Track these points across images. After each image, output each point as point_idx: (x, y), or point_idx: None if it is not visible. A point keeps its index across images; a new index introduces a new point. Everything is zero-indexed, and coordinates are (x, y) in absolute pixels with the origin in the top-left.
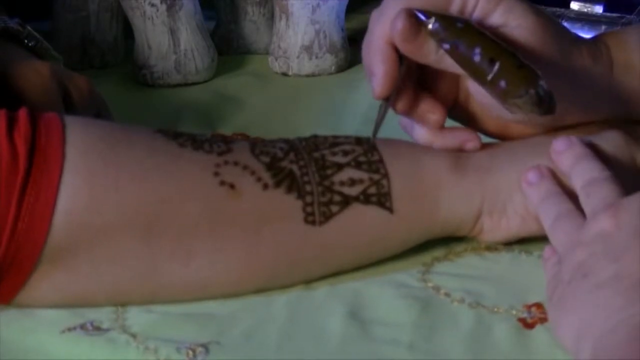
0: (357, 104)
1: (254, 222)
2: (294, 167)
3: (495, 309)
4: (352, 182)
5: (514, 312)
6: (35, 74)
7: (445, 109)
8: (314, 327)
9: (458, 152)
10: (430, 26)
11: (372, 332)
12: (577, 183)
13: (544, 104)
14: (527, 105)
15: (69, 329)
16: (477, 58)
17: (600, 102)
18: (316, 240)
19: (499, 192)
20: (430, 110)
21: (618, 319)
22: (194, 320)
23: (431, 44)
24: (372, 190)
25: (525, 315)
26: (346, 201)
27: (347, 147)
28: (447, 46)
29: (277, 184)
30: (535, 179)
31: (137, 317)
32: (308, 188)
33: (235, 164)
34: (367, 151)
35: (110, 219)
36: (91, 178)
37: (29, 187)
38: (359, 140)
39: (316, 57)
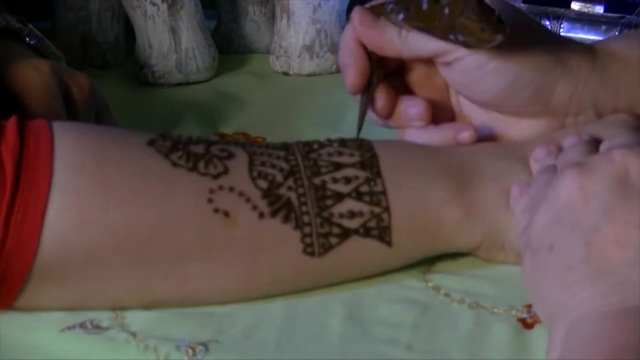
0: (357, 104)
1: (250, 249)
2: (292, 196)
3: (495, 310)
4: (352, 215)
5: (513, 312)
6: (35, 72)
7: (428, 104)
8: (313, 327)
9: (462, 182)
10: (385, 7)
11: (371, 332)
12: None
13: (491, 18)
14: (474, 21)
15: (69, 328)
16: (424, 6)
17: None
18: (314, 270)
19: (500, 232)
20: (410, 105)
21: (591, 307)
22: (194, 319)
23: (392, 29)
24: (372, 223)
25: (525, 315)
26: (345, 234)
27: (350, 173)
28: (401, 15)
29: (274, 214)
30: (542, 155)
31: (136, 315)
32: (306, 219)
33: (231, 189)
34: (371, 179)
35: (99, 241)
36: (80, 198)
37: (16, 204)
38: (363, 165)
39: (317, 57)
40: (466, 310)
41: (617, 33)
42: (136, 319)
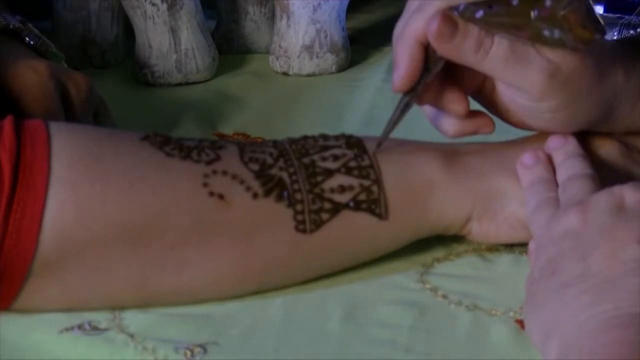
0: (358, 104)
1: (245, 231)
2: (284, 175)
3: (493, 311)
4: (343, 189)
5: (511, 313)
6: (33, 73)
7: (467, 100)
8: (312, 329)
9: (451, 152)
10: (459, 9)
11: (369, 334)
12: (560, 178)
13: (592, 15)
14: (578, 14)
15: (67, 329)
16: (515, 2)
17: (623, 116)
18: (307, 248)
19: (490, 199)
20: (454, 101)
21: (586, 315)
22: (192, 321)
23: (468, 45)
24: (362, 196)
25: (522, 317)
26: (336, 208)
27: (337, 152)
28: (480, 13)
29: (267, 193)
30: (530, 162)
31: (134, 317)
32: (298, 196)
33: (224, 173)
34: (358, 155)
35: (98, 233)
36: (77, 192)
37: (14, 204)
38: (349, 143)
39: (317, 57)
40: (464, 311)
41: (615, 33)
42: (134, 320)
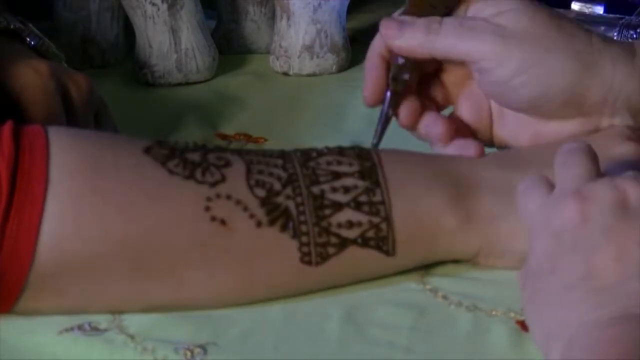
0: (358, 104)
1: (247, 257)
2: (291, 204)
3: (493, 312)
4: (351, 225)
5: (511, 314)
6: (34, 73)
7: (450, 123)
8: (311, 329)
9: (463, 190)
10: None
11: (369, 335)
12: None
13: None
14: None
15: (67, 330)
16: None
17: (615, 79)
18: (311, 279)
19: (499, 241)
20: (432, 123)
21: (587, 318)
22: (191, 321)
23: (419, 31)
24: (371, 234)
25: (523, 317)
26: (343, 243)
27: (349, 183)
28: None
29: (272, 222)
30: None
31: (134, 317)
32: (304, 228)
33: (228, 197)
34: (370, 189)
35: (96, 248)
36: (76, 204)
37: (12, 212)
38: (362, 174)
39: (317, 57)
40: (464, 312)
41: (615, 34)
42: (134, 321)
